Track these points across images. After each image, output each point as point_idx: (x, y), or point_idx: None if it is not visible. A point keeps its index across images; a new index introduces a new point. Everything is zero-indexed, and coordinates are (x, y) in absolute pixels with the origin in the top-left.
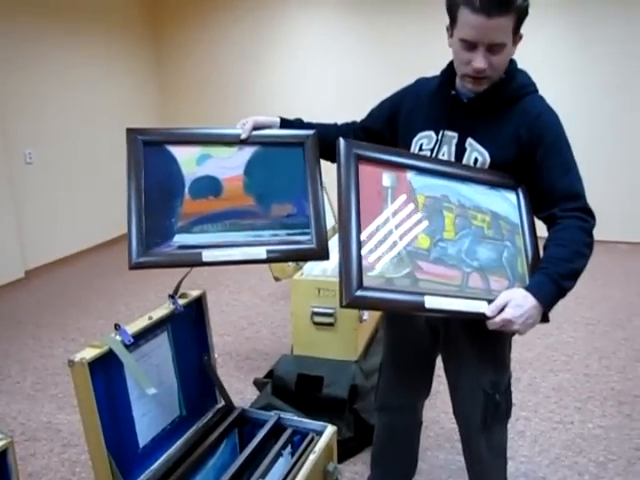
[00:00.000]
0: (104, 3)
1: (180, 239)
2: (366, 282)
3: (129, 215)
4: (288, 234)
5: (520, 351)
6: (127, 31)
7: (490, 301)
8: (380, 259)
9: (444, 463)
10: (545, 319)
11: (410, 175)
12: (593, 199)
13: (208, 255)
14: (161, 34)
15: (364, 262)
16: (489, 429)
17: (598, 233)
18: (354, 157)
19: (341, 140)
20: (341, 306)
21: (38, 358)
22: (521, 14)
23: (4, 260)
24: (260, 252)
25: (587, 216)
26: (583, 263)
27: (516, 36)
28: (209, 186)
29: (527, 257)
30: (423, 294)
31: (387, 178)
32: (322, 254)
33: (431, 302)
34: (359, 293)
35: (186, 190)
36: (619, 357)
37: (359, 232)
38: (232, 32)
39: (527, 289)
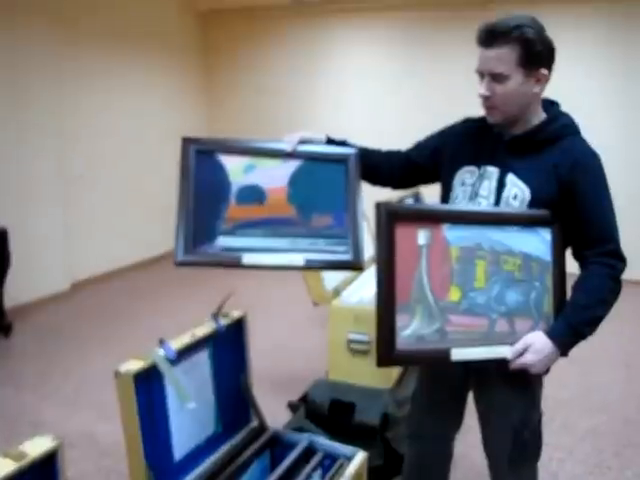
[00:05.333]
0: (158, 31)
1: (224, 241)
2: (399, 344)
3: (178, 215)
4: (326, 244)
5: (555, 390)
6: (180, 54)
7: (513, 344)
8: (413, 318)
9: None
10: (564, 354)
11: (445, 228)
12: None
13: (248, 258)
14: (210, 50)
15: (398, 323)
16: (518, 468)
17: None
18: (391, 218)
19: (379, 204)
20: (377, 366)
21: (79, 368)
22: (526, 46)
23: (51, 273)
24: (298, 259)
25: (616, 261)
26: (605, 309)
27: (528, 70)
28: (254, 194)
29: (555, 295)
30: (450, 348)
31: (422, 236)
32: (357, 265)
33: (456, 354)
34: (392, 355)
35: (232, 196)
36: None
37: (393, 296)
38: (279, 50)
39: (548, 335)
